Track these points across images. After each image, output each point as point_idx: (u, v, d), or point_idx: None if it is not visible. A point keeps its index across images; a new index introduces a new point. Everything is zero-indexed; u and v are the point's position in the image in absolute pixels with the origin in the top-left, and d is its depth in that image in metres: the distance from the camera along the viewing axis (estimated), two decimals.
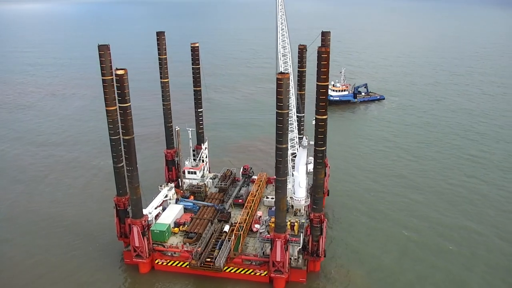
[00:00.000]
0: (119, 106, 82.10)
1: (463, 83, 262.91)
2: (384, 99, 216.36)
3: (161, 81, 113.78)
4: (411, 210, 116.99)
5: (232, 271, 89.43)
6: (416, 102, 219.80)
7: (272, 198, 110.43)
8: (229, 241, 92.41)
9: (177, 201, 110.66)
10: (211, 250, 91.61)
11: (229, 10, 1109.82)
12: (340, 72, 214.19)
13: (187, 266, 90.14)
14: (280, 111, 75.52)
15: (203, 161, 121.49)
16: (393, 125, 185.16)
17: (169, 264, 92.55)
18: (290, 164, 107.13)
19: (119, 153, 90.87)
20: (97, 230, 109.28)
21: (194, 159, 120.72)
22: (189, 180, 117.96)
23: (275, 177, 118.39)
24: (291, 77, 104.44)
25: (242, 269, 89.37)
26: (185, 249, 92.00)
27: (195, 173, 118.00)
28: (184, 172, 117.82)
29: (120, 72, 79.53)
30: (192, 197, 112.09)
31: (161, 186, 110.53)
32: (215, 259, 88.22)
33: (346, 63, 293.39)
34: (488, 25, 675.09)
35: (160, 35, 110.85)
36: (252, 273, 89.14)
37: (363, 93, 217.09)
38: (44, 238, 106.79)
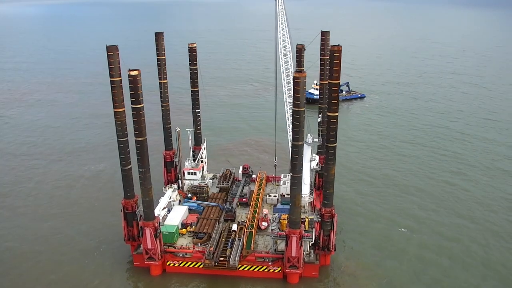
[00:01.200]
0: (132, 107, 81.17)
1: (435, 83, 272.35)
2: (365, 97, 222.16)
3: (159, 82, 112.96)
4: (405, 208, 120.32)
5: (246, 269, 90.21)
6: (395, 100, 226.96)
7: (274, 196, 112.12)
8: (239, 239, 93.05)
9: (179, 202, 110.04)
10: (223, 249, 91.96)
11: (190, 11, 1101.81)
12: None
13: (200, 266, 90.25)
14: (297, 109, 77.09)
15: (202, 161, 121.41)
16: (376, 123, 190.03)
17: (181, 265, 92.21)
18: None
19: (127, 155, 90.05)
20: (98, 235, 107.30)
21: (194, 160, 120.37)
22: (189, 181, 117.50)
23: (273, 175, 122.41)
24: (292, 76, 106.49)
25: (255, 266, 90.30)
26: (197, 249, 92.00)
27: (195, 173, 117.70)
28: (183, 173, 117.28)
29: (134, 73, 78.75)
30: (195, 198, 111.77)
31: (165, 187, 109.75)
32: (228, 258, 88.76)
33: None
34: (455, 24, 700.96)
35: (158, 35, 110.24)
36: (266, 270, 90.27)
37: (344, 92, 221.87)
38: (44, 246, 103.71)
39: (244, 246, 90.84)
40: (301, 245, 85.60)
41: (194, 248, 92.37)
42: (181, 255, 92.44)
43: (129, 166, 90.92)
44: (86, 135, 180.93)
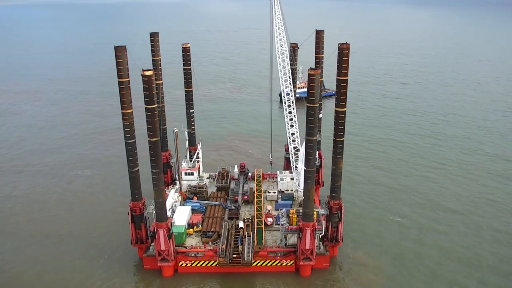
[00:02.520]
0: (146, 107, 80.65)
1: (400, 80, 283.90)
2: None
3: (156, 83, 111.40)
4: (398, 199, 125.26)
5: (259, 264, 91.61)
6: (367, 98, 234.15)
7: (274, 193, 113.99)
8: (249, 236, 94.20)
9: (180, 203, 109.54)
10: (234, 247, 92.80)
11: (142, 11, 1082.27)
12: (298, 70, 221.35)
13: (214, 265, 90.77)
14: (311, 105, 79.66)
15: (198, 161, 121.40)
16: (352, 122, 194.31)
17: (193, 264, 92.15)
18: (293, 158, 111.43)
19: (135, 157, 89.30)
20: (100, 240, 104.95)
21: (191, 160, 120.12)
22: (187, 181, 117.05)
23: (269, 172, 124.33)
24: (289, 74, 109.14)
25: (268, 261, 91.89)
26: (208, 248, 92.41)
27: (192, 174, 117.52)
28: (180, 174, 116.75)
29: (148, 73, 78.36)
30: (195, 198, 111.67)
31: (167, 188, 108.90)
32: (241, 254, 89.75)
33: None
34: (409, 23, 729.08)
35: (154, 36, 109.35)
36: (279, 264, 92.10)
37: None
38: (47, 254, 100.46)
39: (256, 242, 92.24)
40: (315, 237, 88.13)
41: (205, 247, 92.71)
42: (192, 255, 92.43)
43: (137, 168, 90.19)
44: (57, 143, 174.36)
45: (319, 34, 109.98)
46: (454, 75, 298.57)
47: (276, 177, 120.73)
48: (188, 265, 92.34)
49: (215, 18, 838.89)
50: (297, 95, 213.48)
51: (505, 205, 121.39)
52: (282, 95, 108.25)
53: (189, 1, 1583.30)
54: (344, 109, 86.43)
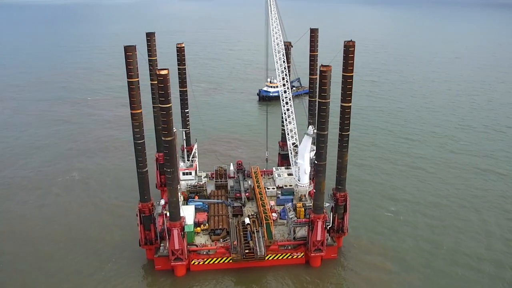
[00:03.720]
0: (161, 107, 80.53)
1: (369, 79, 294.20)
2: None
3: (151, 83, 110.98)
4: (390, 194, 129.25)
5: (271, 258, 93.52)
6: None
7: (273, 189, 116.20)
8: (257, 231, 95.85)
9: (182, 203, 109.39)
10: (245, 243, 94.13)
11: (99, 12, 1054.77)
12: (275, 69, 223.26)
13: (227, 261, 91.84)
14: (323, 101, 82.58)
15: (194, 161, 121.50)
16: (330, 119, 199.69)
17: (206, 262, 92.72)
18: (292, 154, 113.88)
19: (144, 157, 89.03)
20: (101, 245, 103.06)
21: (188, 160, 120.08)
22: (185, 181, 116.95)
23: (265, 169, 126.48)
24: (286, 72, 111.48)
25: (280, 254, 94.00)
26: (219, 245, 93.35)
27: (190, 173, 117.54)
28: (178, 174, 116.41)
29: (163, 72, 78.28)
30: (196, 197, 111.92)
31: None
32: (253, 250, 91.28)
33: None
34: (367, 22, 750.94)
35: (150, 36, 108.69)
36: (290, 257, 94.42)
37: (294, 87, 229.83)
38: (46, 269, 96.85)
39: (266, 237, 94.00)
40: (325, 228, 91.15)
41: (216, 244, 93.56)
42: (204, 253, 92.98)
43: (146, 169, 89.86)
44: (28, 151, 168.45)
45: (313, 33, 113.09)
46: (418, 72, 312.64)
47: (272, 174, 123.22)
48: (201, 263, 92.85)
49: (177, 18, 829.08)
50: (271, 94, 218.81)
51: (493, 197, 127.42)
52: (280, 92, 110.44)
53: (147, 2, 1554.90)
54: (350, 104, 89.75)
